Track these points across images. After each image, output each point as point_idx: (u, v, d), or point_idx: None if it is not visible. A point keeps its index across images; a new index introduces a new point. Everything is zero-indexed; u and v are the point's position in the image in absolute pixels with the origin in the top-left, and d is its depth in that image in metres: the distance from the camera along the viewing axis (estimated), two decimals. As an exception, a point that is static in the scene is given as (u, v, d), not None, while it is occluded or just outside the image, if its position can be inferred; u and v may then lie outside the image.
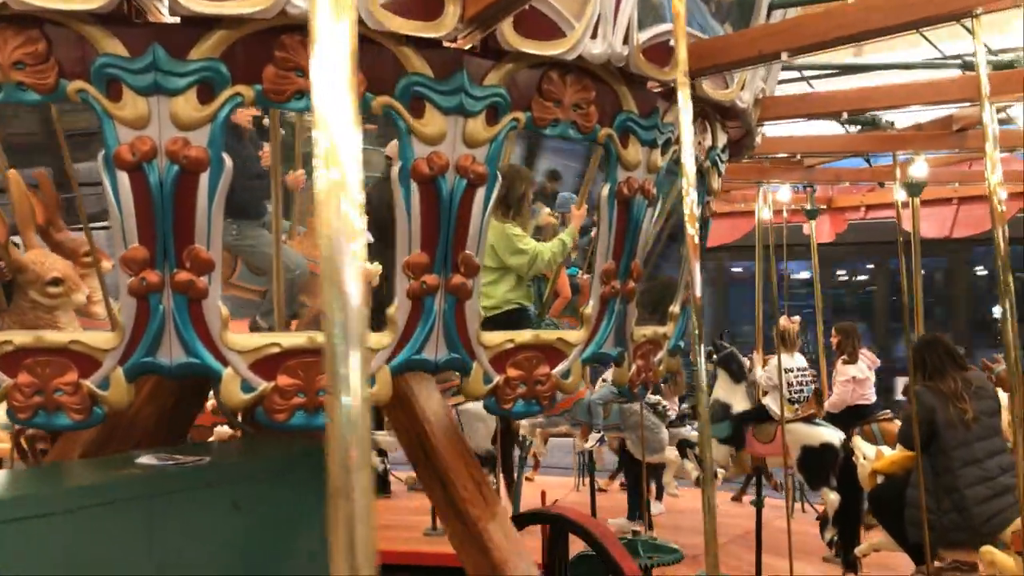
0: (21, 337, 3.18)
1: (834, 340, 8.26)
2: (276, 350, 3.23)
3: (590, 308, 3.92)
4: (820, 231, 11.92)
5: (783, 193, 8.77)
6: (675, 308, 4.73)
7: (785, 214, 10.67)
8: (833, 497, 7.08)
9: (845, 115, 5.01)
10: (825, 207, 10.94)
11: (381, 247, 3.76)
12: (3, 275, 3.35)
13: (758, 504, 6.61)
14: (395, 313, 3.38)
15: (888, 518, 5.60)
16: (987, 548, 4.45)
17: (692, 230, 2.73)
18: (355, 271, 1.01)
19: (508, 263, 4.22)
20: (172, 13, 2.90)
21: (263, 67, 3.04)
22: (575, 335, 3.89)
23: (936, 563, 5.14)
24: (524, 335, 3.74)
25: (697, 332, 2.73)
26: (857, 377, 8.04)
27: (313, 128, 1.02)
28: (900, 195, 6.72)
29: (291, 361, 3.24)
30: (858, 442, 6.42)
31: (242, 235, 4.14)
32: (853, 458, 6.39)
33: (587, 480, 9.06)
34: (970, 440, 5.02)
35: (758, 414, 7.83)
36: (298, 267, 4.18)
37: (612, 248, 3.93)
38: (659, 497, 8.84)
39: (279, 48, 3.03)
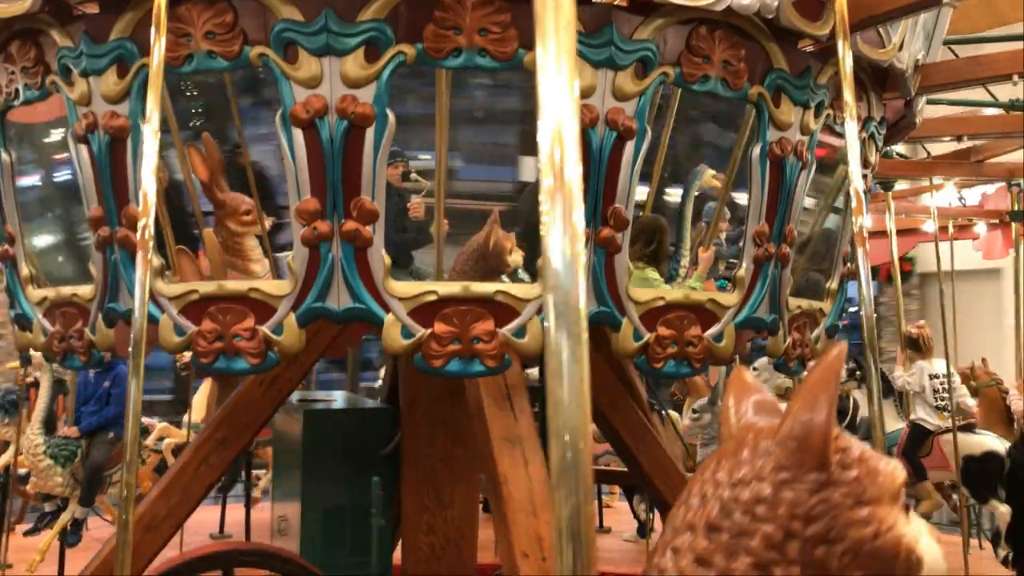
0: (205, 286, 3.46)
1: None
2: (433, 298, 3.36)
3: (743, 270, 3.86)
4: (992, 247, 11.01)
5: (948, 193, 8.12)
6: (832, 284, 4.57)
7: (951, 229, 9.92)
8: (1004, 510, 6.53)
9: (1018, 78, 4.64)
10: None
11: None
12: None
13: None
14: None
15: None
16: None
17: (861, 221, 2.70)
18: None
19: None
20: (343, -23, 3.14)
21: (424, 27, 3.23)
22: (728, 297, 3.83)
23: None
24: (675, 293, 3.72)
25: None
26: None
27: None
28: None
29: (447, 309, 3.36)
30: None
31: None
32: None
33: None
34: None
35: (914, 435, 7.39)
36: None
37: (765, 210, 3.86)
38: None
39: (439, 8, 3.21)
